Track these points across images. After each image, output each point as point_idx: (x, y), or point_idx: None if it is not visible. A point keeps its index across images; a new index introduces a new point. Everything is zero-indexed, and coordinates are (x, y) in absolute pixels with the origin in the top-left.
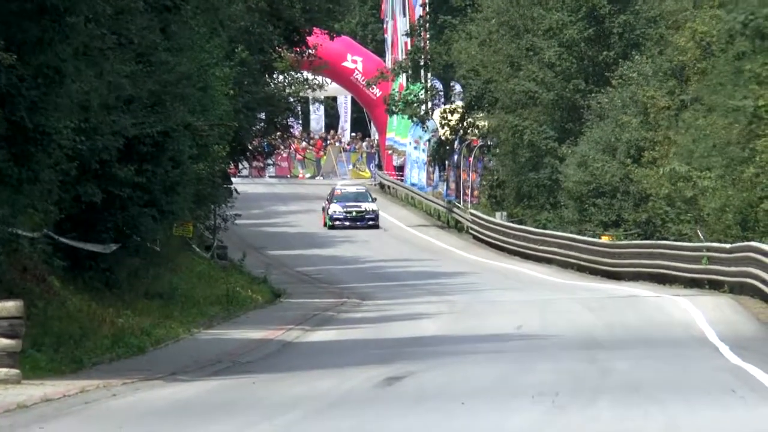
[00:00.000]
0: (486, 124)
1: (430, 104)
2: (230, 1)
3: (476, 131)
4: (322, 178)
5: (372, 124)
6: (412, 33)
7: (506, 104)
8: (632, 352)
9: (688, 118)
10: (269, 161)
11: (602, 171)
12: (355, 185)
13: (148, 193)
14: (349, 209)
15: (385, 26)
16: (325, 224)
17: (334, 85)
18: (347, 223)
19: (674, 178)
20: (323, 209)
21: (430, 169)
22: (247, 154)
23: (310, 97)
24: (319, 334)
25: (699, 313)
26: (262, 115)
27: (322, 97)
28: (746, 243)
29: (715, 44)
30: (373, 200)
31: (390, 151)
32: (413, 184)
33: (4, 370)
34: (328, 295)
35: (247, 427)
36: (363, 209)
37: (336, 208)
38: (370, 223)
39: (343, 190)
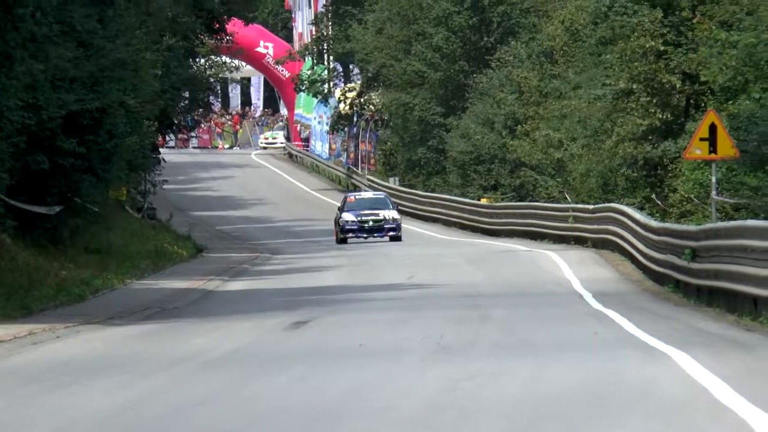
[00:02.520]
0: (380, 101)
1: (331, 84)
2: None
3: (372, 107)
4: (238, 148)
5: (281, 101)
6: (316, 22)
7: (398, 83)
8: (508, 299)
9: (556, 97)
10: (192, 134)
11: (482, 142)
12: (373, 191)
13: (87, 162)
14: (364, 218)
15: (294, 15)
16: (336, 239)
17: (249, 67)
18: (363, 235)
19: (547, 144)
20: (335, 221)
21: (332, 141)
22: (173, 127)
23: (228, 78)
24: (235, 284)
25: (566, 265)
26: (186, 94)
27: (238, 77)
28: (607, 204)
29: (581, 30)
30: (394, 207)
31: (297, 125)
32: (317, 154)
33: None
34: (243, 250)
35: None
36: (381, 218)
37: (348, 218)
38: (391, 234)
39: (357, 197)
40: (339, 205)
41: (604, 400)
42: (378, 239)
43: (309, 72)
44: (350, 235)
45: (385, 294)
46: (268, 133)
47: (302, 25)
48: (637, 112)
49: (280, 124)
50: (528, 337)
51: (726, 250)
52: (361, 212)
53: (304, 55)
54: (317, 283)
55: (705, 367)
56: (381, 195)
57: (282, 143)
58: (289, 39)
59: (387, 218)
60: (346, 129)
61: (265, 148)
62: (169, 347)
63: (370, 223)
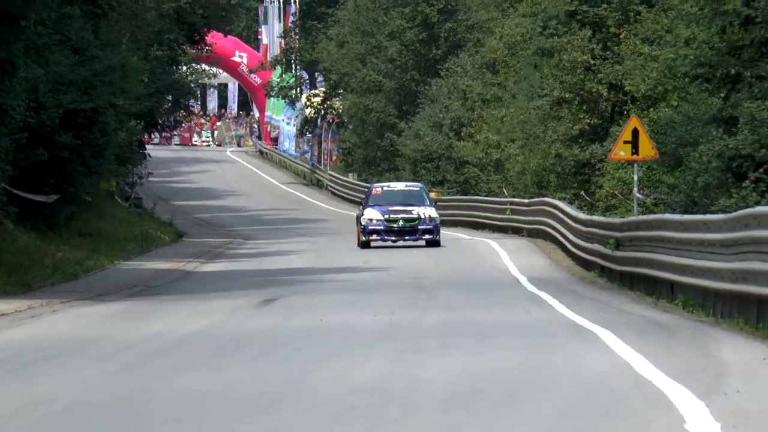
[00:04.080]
0: (341, 105)
1: (298, 90)
2: (146, 9)
3: (334, 110)
4: (216, 145)
5: (254, 104)
6: (285, 35)
7: (358, 90)
8: (452, 281)
9: (496, 103)
10: (174, 132)
11: (431, 142)
12: (405, 182)
13: (81, 156)
14: (392, 216)
15: (260, 29)
16: (358, 241)
17: (225, 74)
18: (390, 238)
19: (488, 145)
20: (357, 219)
21: (299, 140)
22: (158, 126)
23: (207, 84)
24: (211, 265)
25: (504, 253)
26: (170, 97)
27: (216, 83)
28: (540, 198)
29: (518, 45)
30: (432, 204)
31: (268, 126)
32: (285, 151)
33: None
34: (219, 236)
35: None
36: (415, 216)
37: (372, 215)
38: (427, 237)
39: (384, 189)
40: (362, 198)
41: (537, 372)
42: (410, 243)
43: (278, 79)
44: (374, 237)
45: (343, 276)
46: (203, 133)
47: (268, 38)
48: (569, 117)
49: (210, 130)
50: (470, 316)
51: (646, 241)
52: (390, 208)
53: (274, 65)
54: (284, 265)
55: (627, 344)
56: (416, 187)
57: (210, 143)
58: (259, 50)
59: (422, 217)
60: (311, 130)
61: (207, 144)
62: (152, 321)
63: (401, 222)
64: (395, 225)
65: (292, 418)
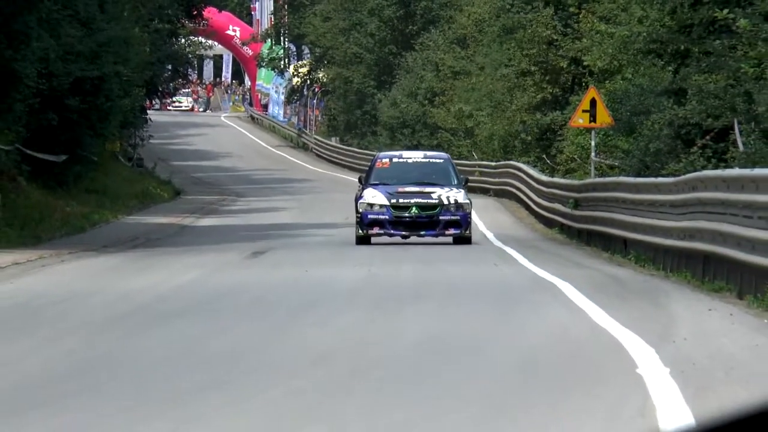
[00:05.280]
0: (325, 75)
1: (286, 61)
2: None
3: (318, 80)
4: (210, 111)
5: (246, 74)
6: (275, 11)
7: (341, 62)
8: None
9: (466, 74)
10: (174, 99)
11: (407, 109)
12: (424, 151)
13: (88, 120)
14: (402, 202)
15: (253, 5)
16: (356, 236)
17: (220, 46)
18: (400, 232)
19: (460, 114)
20: (355, 202)
21: (286, 107)
22: (158, 93)
23: (203, 55)
24: (206, 220)
25: (473, 211)
26: (169, 67)
27: (212, 54)
28: (506, 161)
29: (486, 22)
30: (463, 184)
31: (258, 94)
32: (274, 117)
33: None
34: (214, 194)
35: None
36: (435, 202)
37: (373, 199)
38: (452, 232)
39: (395, 159)
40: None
41: (505, 316)
42: (429, 239)
43: (268, 51)
44: (376, 230)
45: (326, 231)
46: (178, 98)
47: (260, 13)
48: (532, 88)
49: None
50: (443, 268)
51: (602, 201)
52: (399, 189)
53: (265, 38)
54: (273, 221)
55: (585, 296)
56: (439, 158)
57: (187, 107)
58: (252, 24)
59: (446, 203)
60: (298, 98)
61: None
62: (150, 272)
63: (414, 210)
64: (406, 214)
65: (278, 360)
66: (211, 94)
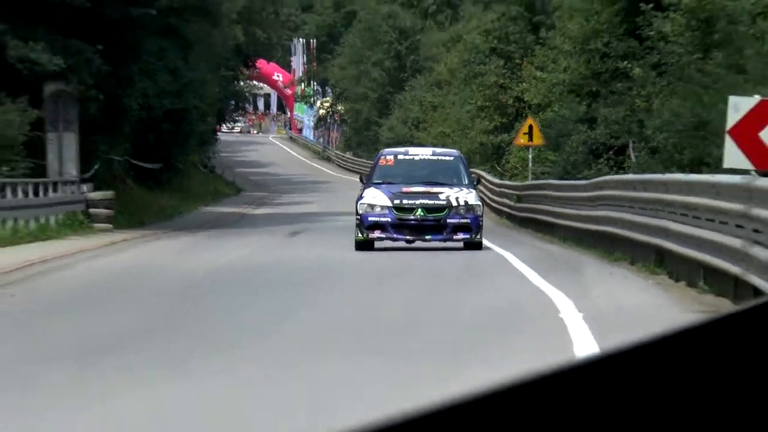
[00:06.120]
0: (342, 108)
1: (315, 98)
2: (218, 45)
3: (337, 112)
4: (262, 133)
5: (286, 107)
6: (307, 63)
7: (353, 99)
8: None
9: (442, 109)
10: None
11: (400, 132)
12: (433, 148)
13: (176, 139)
14: (406, 203)
15: (291, 58)
16: (355, 240)
17: (267, 87)
18: (404, 237)
19: (442, 135)
20: (357, 200)
21: (315, 130)
22: (225, 120)
23: (256, 93)
24: (259, 210)
25: None
26: (233, 102)
27: (262, 93)
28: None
29: (456, 70)
30: (473, 184)
31: (295, 121)
32: (306, 138)
33: (104, 224)
34: (263, 191)
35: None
36: (443, 203)
37: (375, 199)
38: (461, 237)
39: (400, 156)
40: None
41: (470, 270)
42: (436, 243)
43: (302, 91)
44: (378, 233)
45: (345, 218)
46: (236, 127)
47: (297, 63)
48: (488, 117)
49: (260, 124)
50: (418, 244)
51: (536, 197)
52: (404, 189)
53: (300, 82)
54: (305, 210)
55: (525, 263)
56: (449, 156)
57: (245, 130)
58: (290, 71)
59: (455, 205)
60: (323, 124)
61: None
62: (217, 247)
63: (419, 212)
64: (410, 217)
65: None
66: (262, 120)
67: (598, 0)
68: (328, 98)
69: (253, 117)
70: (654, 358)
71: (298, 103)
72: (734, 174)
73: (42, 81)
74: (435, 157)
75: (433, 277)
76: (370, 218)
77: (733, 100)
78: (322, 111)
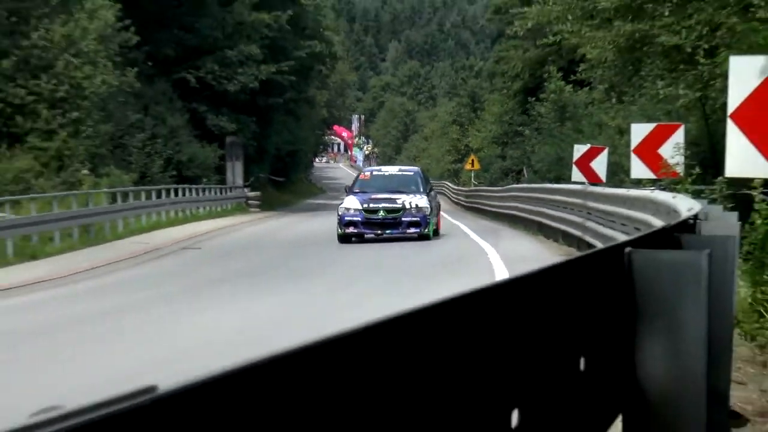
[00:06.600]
0: (377, 149)
1: (365, 145)
2: (316, 117)
3: (375, 151)
4: (335, 163)
5: (348, 149)
6: (360, 127)
7: (383, 145)
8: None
9: (427, 151)
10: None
11: (406, 162)
12: (401, 166)
13: (294, 165)
14: (372, 206)
15: (353, 125)
16: (338, 236)
17: (338, 139)
18: (372, 231)
19: (427, 164)
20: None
21: (363, 162)
22: (317, 156)
23: (333, 141)
24: (333, 202)
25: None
26: (321, 146)
27: (336, 141)
28: (440, 181)
29: (437, 131)
30: (427, 191)
31: (354, 156)
32: (360, 164)
33: (256, 209)
34: (336, 192)
35: (313, 224)
36: (399, 206)
37: (350, 204)
38: (412, 231)
39: (374, 173)
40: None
41: (440, 233)
42: (397, 235)
43: (357, 140)
44: (351, 229)
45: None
46: (322, 159)
47: (354, 126)
48: (451, 156)
49: (335, 158)
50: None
51: (475, 195)
52: (372, 196)
53: (356, 136)
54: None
55: (466, 227)
56: (410, 171)
57: (324, 161)
58: (351, 129)
59: (408, 207)
60: (369, 159)
61: (326, 162)
62: (313, 219)
63: (381, 213)
64: (375, 216)
65: (340, 262)
66: (335, 156)
67: (507, 96)
68: (370, 145)
69: (332, 154)
70: (539, 280)
71: (355, 147)
72: (577, 183)
73: (225, 135)
74: (400, 173)
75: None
76: (346, 218)
77: (634, 127)
78: (367, 151)
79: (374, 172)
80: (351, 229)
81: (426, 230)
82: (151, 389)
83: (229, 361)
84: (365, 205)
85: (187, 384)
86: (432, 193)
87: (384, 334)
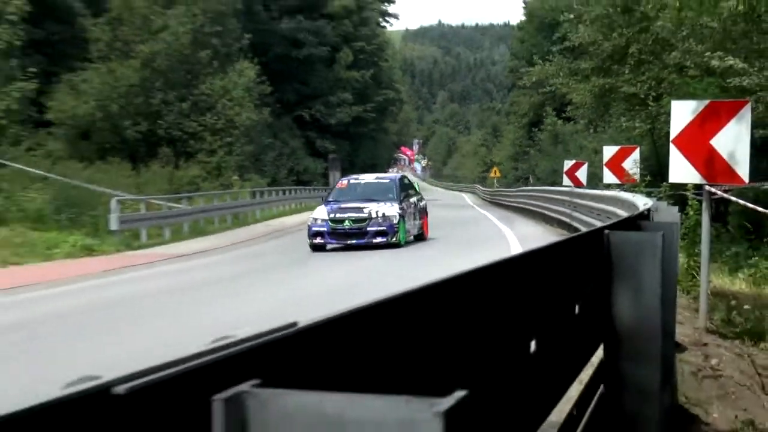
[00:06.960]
0: (431, 163)
1: (423, 160)
2: (390, 141)
3: (430, 164)
4: (402, 171)
5: (411, 164)
6: (418, 148)
7: (435, 160)
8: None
9: (465, 165)
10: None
11: (450, 173)
12: (378, 174)
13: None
14: (339, 216)
15: (414, 145)
16: (310, 245)
17: (404, 156)
18: (338, 241)
19: (464, 173)
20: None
21: (423, 171)
22: (389, 167)
23: (399, 157)
24: None
25: (465, 195)
26: (393, 160)
27: (402, 157)
28: (473, 185)
29: (469, 152)
30: (404, 199)
31: (415, 168)
32: (417, 173)
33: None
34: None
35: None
36: (365, 216)
37: (319, 213)
38: (379, 240)
39: (351, 181)
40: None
41: (473, 221)
42: (363, 245)
43: (417, 157)
44: (318, 240)
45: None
46: (393, 170)
47: (415, 147)
48: (479, 167)
49: (401, 169)
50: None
51: (496, 194)
52: (341, 206)
53: (416, 154)
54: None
55: (491, 215)
56: (387, 179)
57: (395, 172)
58: (412, 148)
59: (374, 216)
60: (424, 170)
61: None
62: None
63: (346, 223)
64: (341, 226)
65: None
66: (402, 168)
67: (518, 127)
68: (425, 160)
69: (400, 166)
70: (546, 253)
71: (416, 161)
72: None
73: (328, 153)
74: (376, 181)
75: (454, 223)
76: (313, 228)
77: (605, 148)
78: (423, 164)
79: (351, 181)
80: (318, 240)
81: (394, 239)
82: (293, 324)
83: (337, 305)
84: (332, 215)
85: (317, 321)
86: (413, 199)
87: (443, 290)
